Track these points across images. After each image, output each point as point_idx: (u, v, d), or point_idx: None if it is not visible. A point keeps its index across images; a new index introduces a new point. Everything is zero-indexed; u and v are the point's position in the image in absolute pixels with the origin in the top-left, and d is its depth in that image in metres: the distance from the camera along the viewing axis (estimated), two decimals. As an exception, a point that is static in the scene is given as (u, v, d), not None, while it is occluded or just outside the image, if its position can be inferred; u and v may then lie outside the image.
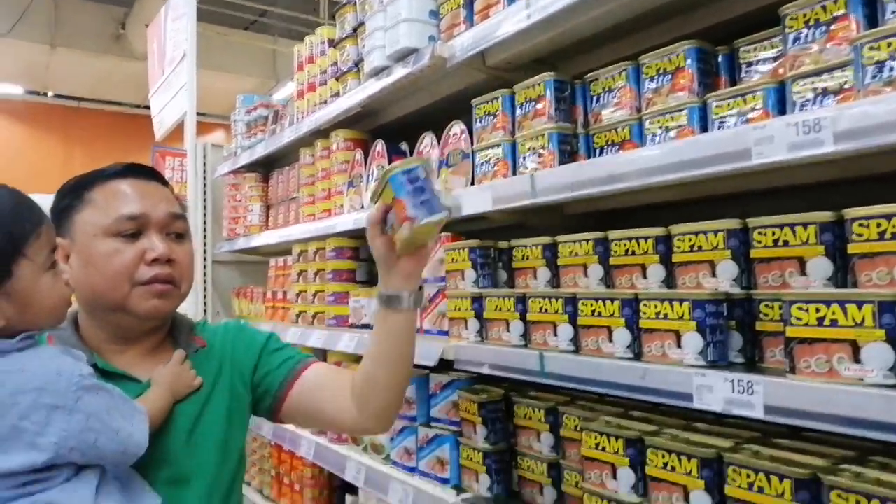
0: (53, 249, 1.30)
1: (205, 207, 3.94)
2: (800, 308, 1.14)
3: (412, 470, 2.15)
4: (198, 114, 3.87)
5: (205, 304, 3.88)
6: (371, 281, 2.65)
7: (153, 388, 1.40)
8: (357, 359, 2.53)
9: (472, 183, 1.97)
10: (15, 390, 1.14)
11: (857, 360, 1.07)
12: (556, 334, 1.64)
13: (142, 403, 1.32)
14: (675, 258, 1.45)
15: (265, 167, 3.53)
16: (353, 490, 2.61)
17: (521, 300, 1.75)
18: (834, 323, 1.09)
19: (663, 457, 1.38)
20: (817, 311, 1.11)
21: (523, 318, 1.75)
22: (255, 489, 3.54)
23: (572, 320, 1.60)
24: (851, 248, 1.17)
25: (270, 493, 3.34)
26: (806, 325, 1.13)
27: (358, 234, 2.64)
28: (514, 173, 1.82)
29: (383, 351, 1.48)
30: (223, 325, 1.69)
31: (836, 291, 1.15)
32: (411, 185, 1.35)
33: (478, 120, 1.97)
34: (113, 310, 1.40)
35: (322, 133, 2.74)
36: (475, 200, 1.80)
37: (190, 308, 3.90)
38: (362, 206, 2.42)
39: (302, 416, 1.58)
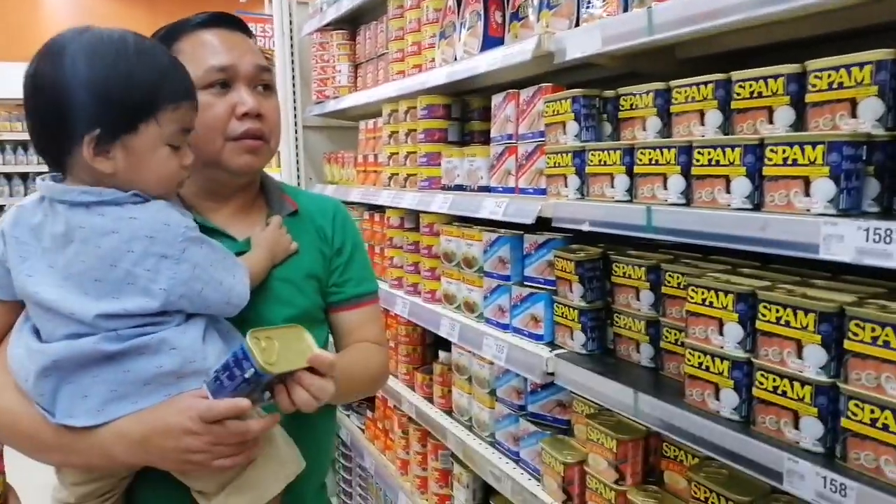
0: (186, 131, 1.30)
1: (293, 70, 3.90)
2: (963, 144, 1.00)
3: (505, 327, 2.18)
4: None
5: (298, 170, 3.96)
6: (463, 141, 2.59)
7: (254, 250, 1.44)
8: (449, 219, 2.54)
9: (577, 24, 1.82)
10: (129, 237, 1.19)
11: None
12: (665, 187, 1.55)
13: (244, 262, 1.37)
14: (810, 98, 1.30)
15: (353, 23, 3.42)
16: (446, 347, 2.70)
17: (629, 152, 1.65)
18: None
19: (777, 311, 1.31)
20: None
21: (629, 171, 1.66)
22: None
23: (685, 171, 1.50)
24: None
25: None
26: (969, 163, 0.99)
27: (451, 91, 2.56)
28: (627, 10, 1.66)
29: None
30: (325, 198, 1.74)
31: None
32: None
33: (584, -46, 1.79)
34: (207, 165, 1.43)
35: (413, -19, 2.60)
36: (581, 41, 1.67)
37: (284, 175, 4.00)
38: (455, 59, 2.31)
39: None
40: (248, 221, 1.54)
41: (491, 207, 2.08)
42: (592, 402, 1.86)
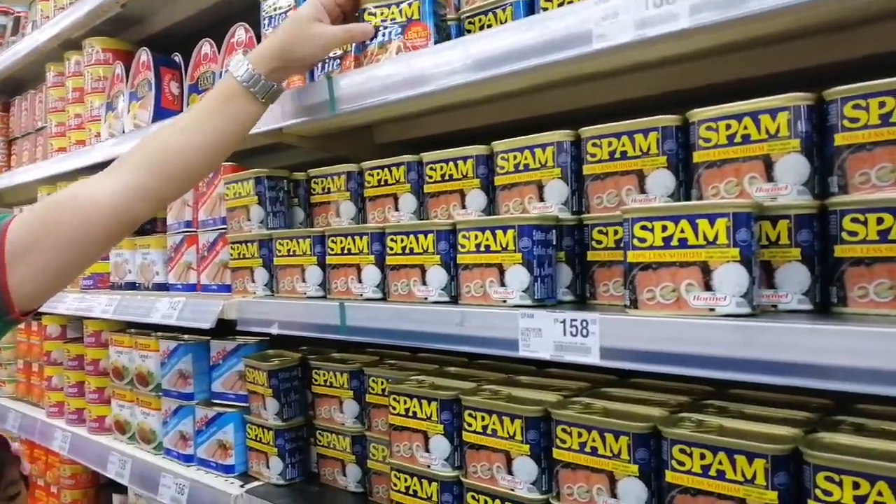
0: None
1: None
2: (643, 227, 0.93)
3: (189, 459, 1.75)
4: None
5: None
6: (140, 230, 2.15)
7: None
8: (122, 326, 2.05)
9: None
10: None
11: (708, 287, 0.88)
12: (360, 280, 1.33)
13: None
14: (499, 181, 1.21)
15: (6, 93, 2.81)
16: (122, 488, 2.13)
17: (320, 240, 1.42)
18: (683, 243, 0.90)
19: (483, 419, 1.14)
20: (664, 229, 0.91)
21: (321, 262, 1.42)
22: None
23: (379, 261, 1.30)
24: (697, 157, 0.99)
25: (22, 499, 2.72)
26: (651, 247, 0.92)
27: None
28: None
29: (217, 141, 1.22)
30: None
31: (683, 205, 0.96)
32: None
33: (268, 21, 1.59)
34: None
35: (73, 44, 2.16)
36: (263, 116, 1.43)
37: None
38: (123, 132, 1.91)
39: (41, 269, 1.08)
40: None
41: (164, 310, 1.68)
42: (292, 547, 1.51)
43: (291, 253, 1.47)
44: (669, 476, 0.93)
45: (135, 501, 2.09)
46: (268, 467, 1.57)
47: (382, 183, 1.40)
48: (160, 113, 1.81)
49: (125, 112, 1.89)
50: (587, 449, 1.01)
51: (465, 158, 1.26)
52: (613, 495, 0.98)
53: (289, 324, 1.42)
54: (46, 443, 2.25)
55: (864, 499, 0.75)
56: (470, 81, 1.14)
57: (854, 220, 0.85)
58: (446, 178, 1.29)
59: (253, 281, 1.56)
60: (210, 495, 1.58)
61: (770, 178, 0.93)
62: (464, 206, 1.27)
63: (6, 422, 2.56)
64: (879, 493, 0.73)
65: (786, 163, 0.92)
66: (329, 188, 1.51)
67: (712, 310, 0.87)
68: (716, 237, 0.87)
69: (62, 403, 2.27)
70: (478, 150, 1.25)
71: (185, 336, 1.84)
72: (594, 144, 1.09)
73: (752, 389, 1.14)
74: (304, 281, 1.45)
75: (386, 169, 1.39)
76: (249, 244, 1.55)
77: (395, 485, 1.26)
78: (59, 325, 2.27)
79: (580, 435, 1.02)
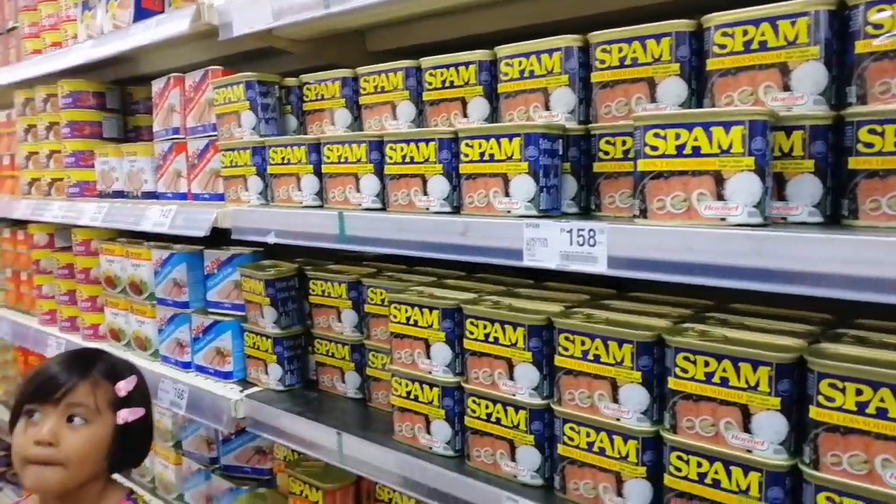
0: None
1: None
2: (656, 135, 0.91)
3: (187, 366, 1.77)
4: None
5: None
6: (126, 138, 2.09)
7: None
8: (112, 235, 2.03)
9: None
10: None
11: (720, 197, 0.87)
12: (358, 189, 1.31)
13: None
14: (502, 88, 1.17)
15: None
16: (119, 393, 2.17)
17: (315, 148, 1.38)
18: (696, 151, 0.88)
19: (485, 328, 1.15)
20: (677, 137, 0.89)
21: (318, 171, 1.39)
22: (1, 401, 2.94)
23: (378, 170, 1.28)
24: (711, 64, 0.96)
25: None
26: (663, 155, 0.91)
27: (108, 78, 2.05)
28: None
29: None
30: None
31: (698, 112, 0.93)
32: None
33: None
34: None
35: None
36: (249, 15, 1.36)
37: None
38: (102, 33, 1.81)
39: None
40: None
41: (155, 218, 1.65)
42: (293, 448, 1.56)
43: (286, 161, 1.44)
44: (672, 383, 0.95)
45: (133, 406, 2.12)
46: (266, 374, 1.59)
47: (379, 90, 1.35)
48: (141, 13, 1.70)
49: (103, 11, 1.78)
50: (590, 356, 1.03)
51: (467, 64, 1.21)
52: (615, 400, 1.01)
53: (286, 233, 1.40)
54: (41, 350, 2.26)
55: (865, 405, 0.77)
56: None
57: (871, 132, 0.84)
58: (447, 84, 1.24)
59: (246, 189, 1.53)
60: (210, 399, 1.61)
61: (786, 88, 0.91)
62: (465, 115, 1.23)
63: (-3, 330, 2.57)
64: (882, 400, 0.76)
65: (803, 71, 0.89)
66: (323, 94, 1.46)
67: (723, 219, 0.87)
68: (731, 145, 0.86)
69: (54, 311, 2.26)
70: (481, 55, 1.20)
71: (177, 245, 1.81)
72: (604, 50, 1.05)
73: (753, 304, 1.16)
74: (299, 190, 1.43)
75: (383, 75, 1.34)
76: (242, 151, 1.51)
77: (396, 390, 1.29)
78: (46, 233, 2.23)
79: (583, 343, 1.04)
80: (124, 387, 1.30)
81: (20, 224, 2.42)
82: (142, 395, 1.34)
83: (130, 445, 1.31)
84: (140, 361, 1.87)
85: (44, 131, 2.12)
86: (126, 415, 1.29)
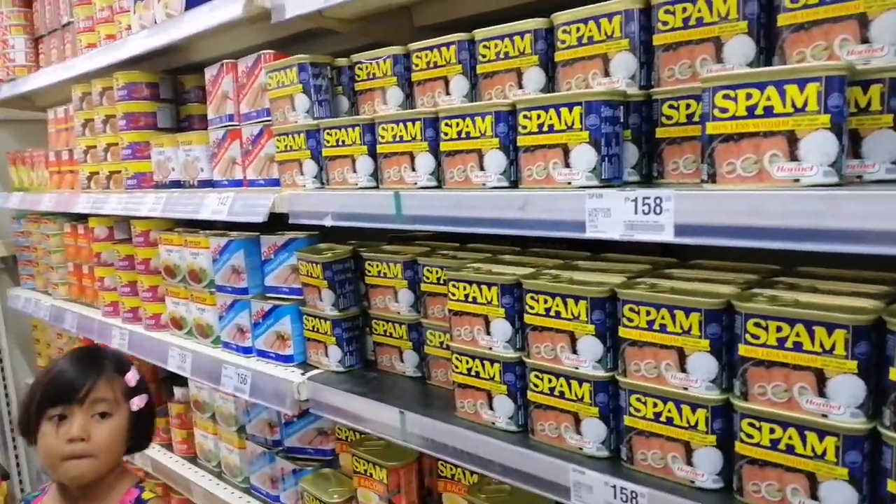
0: None
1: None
2: (725, 97, 0.88)
3: (248, 351, 1.81)
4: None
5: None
6: (179, 127, 2.14)
7: None
8: (170, 225, 2.08)
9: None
10: None
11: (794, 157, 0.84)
12: (413, 168, 1.31)
13: None
14: (560, 56, 1.15)
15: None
16: (182, 381, 2.23)
17: (370, 128, 1.39)
18: (769, 111, 0.85)
19: (546, 302, 1.14)
20: (748, 97, 0.86)
21: (372, 152, 1.40)
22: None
23: (433, 147, 1.27)
24: (783, 20, 0.92)
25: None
26: (733, 117, 0.88)
27: (160, 67, 2.09)
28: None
29: None
30: None
31: (770, 70, 0.90)
32: None
33: None
34: None
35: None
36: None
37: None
38: (155, 22, 1.85)
39: None
40: None
41: (214, 206, 1.69)
42: (355, 428, 1.58)
43: (341, 143, 1.45)
44: (743, 350, 0.93)
45: (196, 394, 2.19)
46: (326, 356, 1.62)
47: (431, 65, 1.35)
48: (192, 1, 1.74)
49: (156, 1, 1.81)
50: (656, 326, 1.01)
51: (522, 34, 1.20)
52: (683, 370, 0.99)
53: (343, 215, 1.41)
54: (105, 341, 2.34)
55: (961, 362, 0.74)
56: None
57: (958, 81, 0.80)
58: (501, 56, 1.23)
59: (302, 173, 1.55)
60: (273, 383, 1.64)
61: (864, 40, 0.87)
62: (521, 86, 1.22)
63: (64, 322, 2.66)
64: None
65: (884, 20, 0.85)
66: (374, 73, 1.46)
67: (797, 180, 0.84)
68: (805, 104, 0.83)
69: (116, 303, 2.34)
70: (536, 23, 1.18)
71: (233, 233, 1.85)
72: (667, 11, 1.02)
73: (822, 266, 1.12)
74: (354, 171, 1.44)
75: (435, 50, 1.34)
76: (296, 135, 1.53)
77: (457, 367, 1.29)
78: (105, 226, 2.30)
79: (648, 313, 1.02)
80: (132, 377, 1.51)
81: (81, 218, 2.51)
82: (144, 382, 1.55)
83: (142, 429, 1.52)
84: (203, 349, 1.92)
85: (101, 125, 2.18)
86: (138, 402, 1.50)
